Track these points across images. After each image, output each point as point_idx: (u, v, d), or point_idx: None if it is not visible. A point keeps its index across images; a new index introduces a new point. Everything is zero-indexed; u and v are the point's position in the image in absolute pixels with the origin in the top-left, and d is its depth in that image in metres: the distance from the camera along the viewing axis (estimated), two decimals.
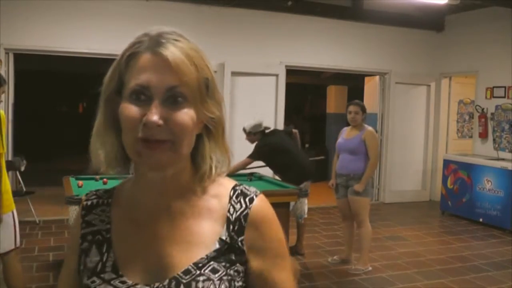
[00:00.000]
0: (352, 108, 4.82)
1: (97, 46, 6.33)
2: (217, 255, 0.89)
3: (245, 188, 0.97)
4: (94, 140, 0.92)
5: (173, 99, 0.84)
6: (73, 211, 3.54)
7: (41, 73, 11.55)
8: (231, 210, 0.93)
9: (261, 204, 0.95)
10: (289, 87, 7.59)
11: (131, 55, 0.87)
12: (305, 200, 5.22)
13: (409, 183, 8.37)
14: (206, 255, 0.88)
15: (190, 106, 0.85)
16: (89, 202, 0.99)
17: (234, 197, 0.94)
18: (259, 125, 5.18)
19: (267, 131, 5.25)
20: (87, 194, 1.02)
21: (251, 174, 5.32)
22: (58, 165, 9.43)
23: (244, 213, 0.92)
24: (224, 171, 0.95)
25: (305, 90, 12.80)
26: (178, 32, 0.89)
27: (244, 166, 5.05)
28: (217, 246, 0.89)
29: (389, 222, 6.83)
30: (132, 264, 0.89)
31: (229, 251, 0.90)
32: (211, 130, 0.91)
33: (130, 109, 0.84)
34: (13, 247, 3.38)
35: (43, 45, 6.26)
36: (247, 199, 0.94)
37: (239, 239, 0.91)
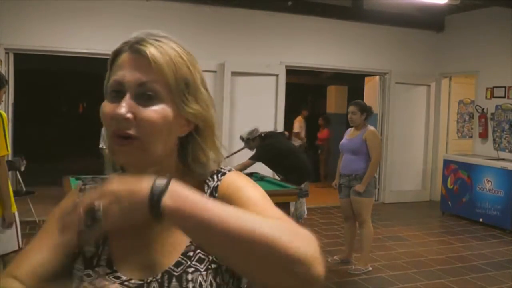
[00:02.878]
0: (350, 108, 4.84)
1: (97, 46, 6.33)
2: None
3: (222, 168, 0.97)
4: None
5: (145, 96, 0.85)
6: None
7: (41, 73, 11.56)
8: (205, 188, 0.93)
9: (232, 175, 0.94)
10: (289, 87, 7.59)
11: (115, 54, 0.90)
12: (304, 200, 5.23)
13: (409, 183, 8.37)
14: (190, 242, 0.88)
15: (163, 104, 0.86)
16: (87, 187, 0.99)
17: (209, 176, 0.95)
18: (256, 130, 5.16)
19: (263, 134, 5.26)
20: (83, 181, 1.00)
21: (251, 174, 5.32)
22: (58, 165, 9.43)
23: (215, 185, 0.93)
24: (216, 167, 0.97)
25: (305, 90, 12.79)
26: (163, 34, 0.90)
27: (244, 168, 5.04)
28: None
29: (389, 222, 6.82)
30: (126, 260, 0.90)
31: None
32: (199, 130, 0.92)
33: (106, 106, 0.86)
34: (16, 248, 3.40)
35: (43, 45, 6.26)
36: (219, 175, 0.94)
37: None
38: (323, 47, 7.68)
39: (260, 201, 0.87)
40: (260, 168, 5.44)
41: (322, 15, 7.46)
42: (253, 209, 0.84)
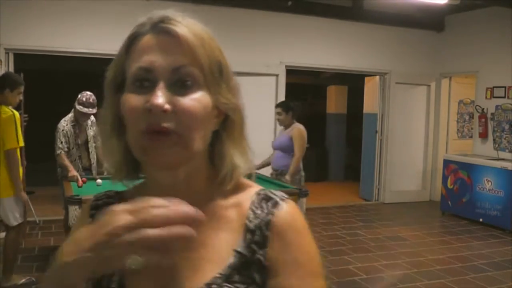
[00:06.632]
0: (276, 110, 5.27)
1: (97, 46, 6.33)
2: (232, 272, 0.74)
3: (270, 192, 0.81)
4: (103, 146, 0.82)
5: (181, 82, 0.72)
6: (73, 211, 3.54)
7: (41, 73, 11.55)
8: (251, 216, 0.78)
9: (288, 210, 0.78)
10: (289, 87, 7.59)
11: (131, 39, 0.77)
12: (305, 200, 5.23)
13: (409, 183, 8.37)
14: (220, 273, 0.74)
15: (202, 91, 0.73)
16: (99, 202, 0.87)
17: (256, 202, 0.79)
18: None
19: None
20: (96, 195, 0.89)
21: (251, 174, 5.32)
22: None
23: (266, 220, 0.77)
24: (245, 173, 0.83)
25: (305, 90, 12.79)
26: (184, 14, 0.79)
27: None
28: (232, 260, 0.75)
29: (389, 222, 6.83)
30: (140, 282, 0.76)
31: (248, 266, 0.75)
32: (228, 125, 0.79)
33: (133, 99, 0.72)
34: (21, 221, 4.05)
35: (43, 45, 6.26)
36: (269, 203, 0.79)
37: (260, 251, 0.75)
38: (323, 47, 7.68)
39: (309, 268, 0.77)
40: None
41: (322, 15, 7.46)
42: (300, 270, 0.75)
